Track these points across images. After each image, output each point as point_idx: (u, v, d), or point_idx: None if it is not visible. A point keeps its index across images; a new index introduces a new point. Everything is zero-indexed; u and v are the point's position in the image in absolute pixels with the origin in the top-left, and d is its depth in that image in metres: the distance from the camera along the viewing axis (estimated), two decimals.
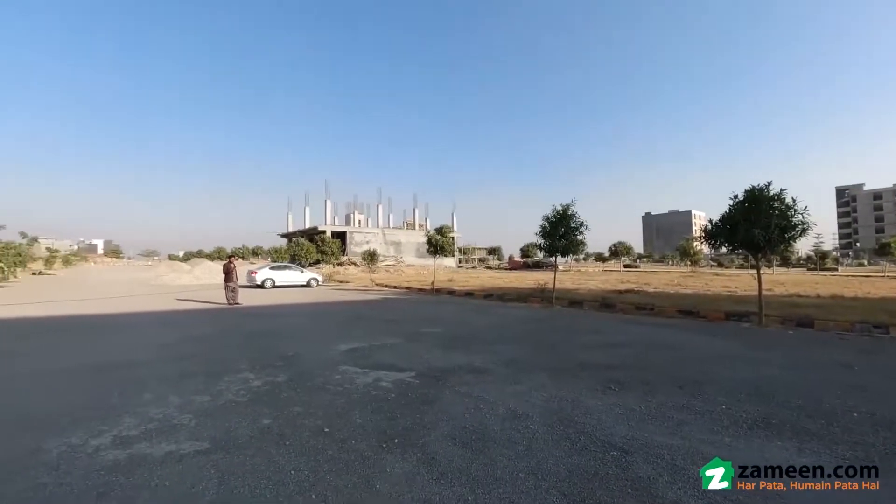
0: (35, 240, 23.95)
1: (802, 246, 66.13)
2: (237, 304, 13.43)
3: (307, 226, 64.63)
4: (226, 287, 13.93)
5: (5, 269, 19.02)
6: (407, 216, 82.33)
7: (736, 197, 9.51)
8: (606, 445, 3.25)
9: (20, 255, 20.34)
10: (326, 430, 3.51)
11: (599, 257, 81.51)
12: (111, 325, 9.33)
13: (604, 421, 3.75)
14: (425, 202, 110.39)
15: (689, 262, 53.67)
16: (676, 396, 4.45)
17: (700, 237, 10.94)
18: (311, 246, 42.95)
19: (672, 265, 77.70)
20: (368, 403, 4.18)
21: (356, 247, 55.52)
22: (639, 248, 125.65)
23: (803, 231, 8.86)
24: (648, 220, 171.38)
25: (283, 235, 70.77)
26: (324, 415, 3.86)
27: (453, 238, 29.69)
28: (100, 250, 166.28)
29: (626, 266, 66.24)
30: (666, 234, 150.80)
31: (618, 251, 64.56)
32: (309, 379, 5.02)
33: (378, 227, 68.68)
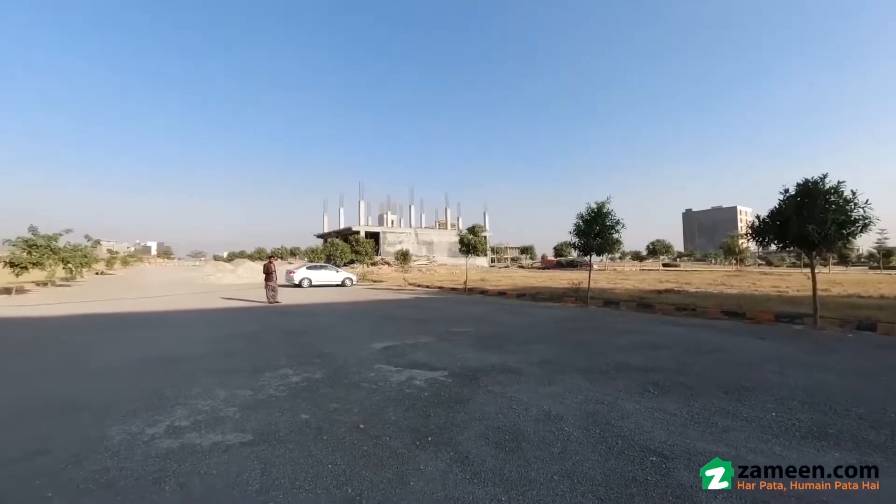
0: (98, 242, 25.89)
1: (864, 243, 61.31)
2: (277, 302, 13.97)
3: (342, 226, 66.30)
4: (266, 286, 14.52)
5: (73, 269, 20.71)
6: (439, 216, 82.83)
7: (787, 191, 8.93)
8: (645, 450, 3.15)
9: (86, 257, 22.06)
10: (362, 426, 3.60)
11: (637, 256, 78.72)
12: (165, 323, 9.95)
13: (642, 425, 3.63)
14: (457, 202, 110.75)
15: (734, 261, 50.91)
16: (721, 401, 4.24)
17: (746, 234, 10.33)
18: (345, 246, 44.07)
19: (715, 264, 73.90)
20: (402, 401, 4.24)
21: (389, 247, 56.43)
22: (679, 246, 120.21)
23: (864, 227, 8.20)
24: (689, 216, 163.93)
25: (319, 236, 72.97)
26: (359, 411, 3.96)
27: (485, 237, 29.45)
28: (153, 251, 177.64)
29: (665, 265, 63.52)
30: (708, 231, 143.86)
31: (656, 249, 61.90)
32: (345, 376, 5.16)
33: (410, 227, 69.47)
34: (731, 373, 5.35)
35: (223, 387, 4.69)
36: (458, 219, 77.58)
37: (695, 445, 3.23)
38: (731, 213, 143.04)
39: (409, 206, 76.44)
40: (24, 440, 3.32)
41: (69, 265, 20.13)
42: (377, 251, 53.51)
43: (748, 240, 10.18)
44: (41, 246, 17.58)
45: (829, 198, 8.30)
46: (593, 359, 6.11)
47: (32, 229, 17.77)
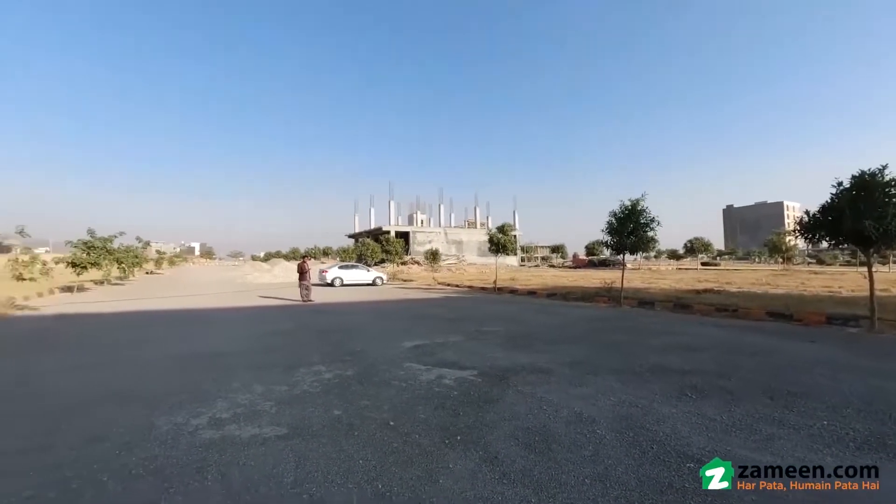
0: (148, 243, 27.67)
1: None
2: (310, 301, 14.37)
3: (372, 226, 67.35)
4: (300, 285, 14.97)
5: (126, 269, 22.20)
6: (468, 215, 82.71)
7: (840, 183, 8.34)
8: (682, 456, 3.03)
9: (137, 258, 23.62)
10: (392, 423, 3.66)
11: (673, 255, 75.57)
12: (207, 320, 10.46)
13: (679, 430, 3.50)
14: (486, 201, 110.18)
15: (780, 259, 47.98)
16: (766, 407, 4.02)
17: (794, 230, 9.71)
18: (376, 246, 44.80)
19: (759, 263, 69.96)
20: (431, 400, 4.28)
21: (419, 246, 56.85)
22: (719, 244, 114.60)
23: None
24: (730, 213, 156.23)
25: (350, 236, 74.47)
26: (389, 409, 4.02)
27: (515, 236, 29.05)
28: (197, 252, 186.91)
29: (703, 264, 60.56)
30: (751, 228, 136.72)
31: (694, 248, 58.68)
32: (375, 374, 5.25)
33: (440, 226, 69.67)
34: (776, 377, 5.06)
35: (260, 382, 4.88)
36: (487, 218, 77.17)
37: (737, 453, 3.07)
38: (777, 208, 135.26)
39: (439, 206, 76.68)
40: (84, 427, 3.58)
41: (123, 265, 21.54)
42: (407, 251, 54.00)
43: (796, 236, 9.56)
44: (98, 248, 18.88)
45: (890, 190, 7.69)
46: (626, 360, 5.94)
47: (91, 232, 19.11)
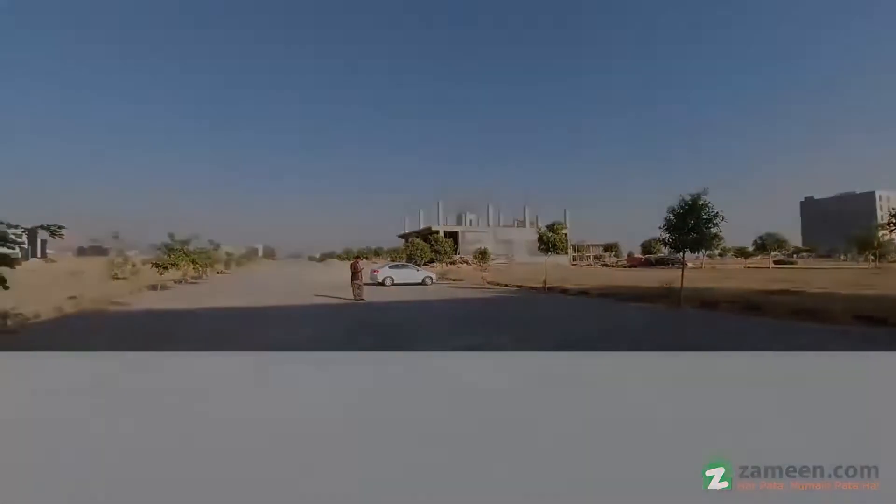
0: (218, 245, 30.33)
1: None
2: (362, 299, 14.94)
3: (421, 227, 68.59)
4: (353, 284, 15.59)
5: (201, 269, 24.48)
6: (517, 214, 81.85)
7: None
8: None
9: (210, 259, 25.89)
10: None
11: (741, 252, 69.57)
12: (269, 316, 11.25)
13: None
14: (536, 200, 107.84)
15: (871, 257, 42.72)
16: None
17: (890, 223, 8.69)
18: (425, 246, 45.57)
19: (845, 261, 62.82)
20: None
21: (468, 245, 57.13)
22: (796, 240, 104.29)
23: None
24: (810, 206, 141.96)
25: (401, 236, 76.36)
26: None
27: (566, 235, 28.16)
28: (260, 253, 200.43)
29: (777, 262, 55.12)
30: (835, 223, 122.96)
31: (765, 245, 53.33)
32: None
33: (489, 226, 69.52)
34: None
35: None
36: (536, 217, 75.92)
37: None
38: (868, 200, 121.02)
39: (487, 206, 76.66)
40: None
41: (197, 265, 23.72)
42: (456, 250, 54.40)
43: (892, 230, 8.56)
44: (177, 250, 20.94)
45: None
46: None
47: (171, 236, 21.24)
